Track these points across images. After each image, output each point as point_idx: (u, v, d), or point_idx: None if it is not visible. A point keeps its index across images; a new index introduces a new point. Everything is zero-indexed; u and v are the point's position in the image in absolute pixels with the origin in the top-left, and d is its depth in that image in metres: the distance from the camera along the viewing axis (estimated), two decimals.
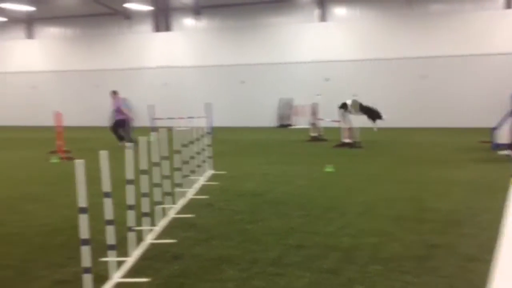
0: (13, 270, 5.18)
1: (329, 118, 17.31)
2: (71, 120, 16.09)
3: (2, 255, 5.66)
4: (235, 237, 6.13)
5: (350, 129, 15.68)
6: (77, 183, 4.26)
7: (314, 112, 18.03)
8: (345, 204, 7.85)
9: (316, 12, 24.66)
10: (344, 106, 15.95)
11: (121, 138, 16.53)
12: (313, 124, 18.00)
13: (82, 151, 14.36)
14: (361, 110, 15.88)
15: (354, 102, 15.99)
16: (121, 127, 16.72)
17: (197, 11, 26.12)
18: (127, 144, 6.66)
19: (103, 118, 25.80)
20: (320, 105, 18.13)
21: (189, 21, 26.58)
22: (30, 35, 28.95)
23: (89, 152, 13.93)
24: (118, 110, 16.76)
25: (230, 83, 25.49)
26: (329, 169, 11.08)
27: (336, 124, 16.52)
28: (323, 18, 24.64)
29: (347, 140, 15.55)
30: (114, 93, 17.11)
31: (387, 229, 6.40)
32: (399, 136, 19.02)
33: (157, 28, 26.68)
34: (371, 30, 23.57)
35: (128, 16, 26.73)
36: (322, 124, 18.01)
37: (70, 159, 13.42)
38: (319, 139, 17.46)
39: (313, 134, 17.79)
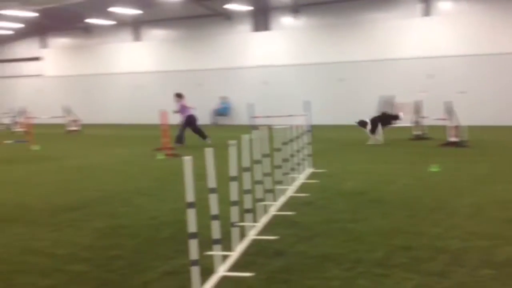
0: (125, 260, 5.45)
1: (434, 116, 16.65)
2: (175, 118, 16.67)
3: (115, 246, 5.98)
4: (337, 236, 6.06)
5: (456, 127, 14.99)
6: (185, 178, 4.39)
7: (417, 110, 17.44)
8: (452, 205, 7.51)
9: (419, 6, 23.84)
10: (362, 124, 16.35)
11: (204, 137, 16.87)
12: (416, 122, 17.41)
13: (185, 149, 14.86)
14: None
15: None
16: (194, 124, 16.98)
17: (295, 9, 26.15)
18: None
19: (205, 116, 26.64)
20: (424, 102, 17.51)
21: (287, 20, 26.69)
22: (136, 38, 30.38)
23: (192, 149, 14.45)
24: (182, 111, 17.00)
25: (329, 81, 25.29)
26: (434, 168, 10.66)
27: (441, 123, 15.87)
28: (426, 12, 23.77)
29: (453, 139, 14.89)
30: (179, 96, 17.19)
31: (500, 232, 6.04)
32: (510, 135, 17.94)
33: (257, 28, 27.02)
34: (478, 24, 22.41)
35: (229, 17, 27.30)
36: (426, 122, 17.38)
37: (175, 156, 13.94)
38: (422, 138, 16.87)
39: (416, 133, 17.22)
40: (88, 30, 31.06)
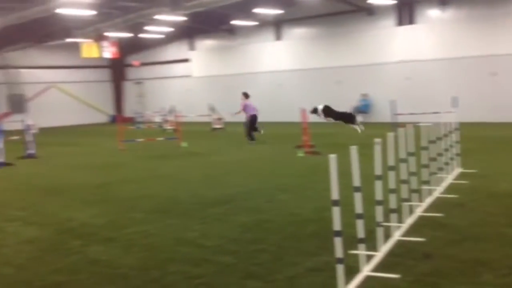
0: (270, 254, 5.58)
1: None
2: (313, 116, 16.72)
3: (260, 240, 6.15)
4: (491, 240, 5.67)
5: None
6: (331, 176, 4.37)
7: None
8: None
9: None
10: (315, 111, 16.19)
11: (252, 138, 17.89)
12: None
13: (326, 146, 14.85)
14: (329, 115, 16.25)
15: (326, 107, 16.17)
16: (253, 123, 18.07)
17: (443, 1, 24.91)
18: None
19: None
20: None
21: (434, 12, 25.50)
22: (277, 37, 30.93)
23: (332, 147, 14.40)
24: (246, 110, 18.21)
25: (478, 75, 23.75)
26: None
27: None
28: None
29: None
30: (246, 95, 18.48)
31: None
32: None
33: (400, 22, 26.18)
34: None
35: (371, 12, 26.75)
36: None
37: (315, 153, 13.99)
38: None
39: None
40: (232, 32, 32.24)
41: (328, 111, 16.67)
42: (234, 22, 29.71)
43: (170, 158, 14.87)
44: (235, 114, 19.06)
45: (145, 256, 5.78)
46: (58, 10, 20.89)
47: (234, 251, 5.78)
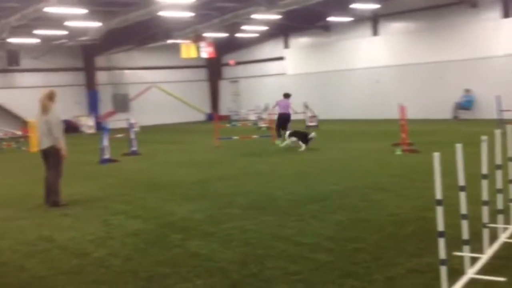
0: (368, 254, 5.48)
1: None
2: (414, 112, 16.21)
3: (357, 239, 6.06)
4: None
5: None
6: (435, 175, 4.20)
7: None
8: None
9: None
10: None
11: (279, 135, 18.01)
12: None
13: (425, 144, 14.37)
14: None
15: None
16: (286, 123, 18.54)
17: None
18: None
19: (446, 110, 25.41)
20: None
21: None
22: (374, 32, 30.30)
23: (432, 145, 13.90)
24: (283, 107, 18.92)
25: None
26: None
27: None
28: None
29: None
30: (286, 95, 19.40)
31: None
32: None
33: (506, 14, 24.75)
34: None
35: (475, 4, 25.51)
36: None
37: (413, 151, 13.57)
38: None
39: None
40: (327, 28, 31.98)
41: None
42: (330, 18, 29.44)
43: (265, 155, 15.03)
44: (270, 111, 20.05)
45: (243, 251, 5.88)
46: (159, 13, 21.76)
47: (331, 249, 5.74)
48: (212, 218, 7.56)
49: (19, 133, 23.93)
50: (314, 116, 25.57)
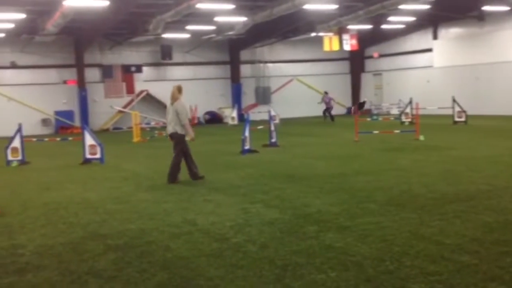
0: None
1: None
2: None
3: (506, 242, 5.66)
4: None
5: None
6: None
7: None
8: None
9: None
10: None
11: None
12: None
13: None
14: None
15: None
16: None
17: None
18: None
19: None
20: None
21: None
22: None
23: None
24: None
25: None
26: None
27: None
28: None
29: None
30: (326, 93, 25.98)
31: None
32: None
33: None
34: None
35: None
36: None
37: None
38: None
39: None
40: (481, 18, 29.88)
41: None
42: (485, 7, 27.50)
43: (406, 151, 14.50)
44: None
45: (380, 247, 5.74)
46: (304, 6, 21.89)
47: (475, 251, 5.39)
48: (348, 212, 7.47)
49: None
50: (462, 111, 24.14)
